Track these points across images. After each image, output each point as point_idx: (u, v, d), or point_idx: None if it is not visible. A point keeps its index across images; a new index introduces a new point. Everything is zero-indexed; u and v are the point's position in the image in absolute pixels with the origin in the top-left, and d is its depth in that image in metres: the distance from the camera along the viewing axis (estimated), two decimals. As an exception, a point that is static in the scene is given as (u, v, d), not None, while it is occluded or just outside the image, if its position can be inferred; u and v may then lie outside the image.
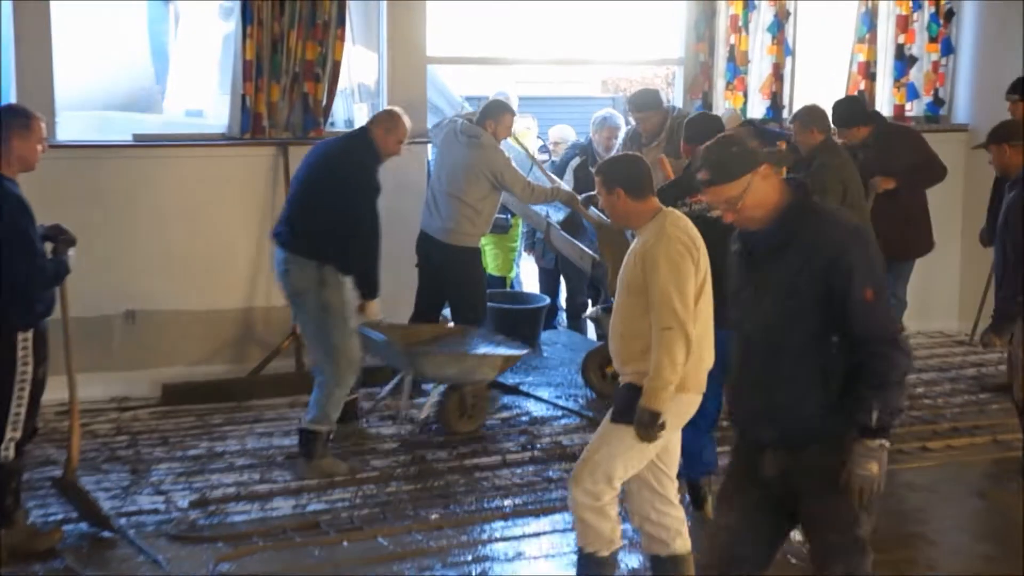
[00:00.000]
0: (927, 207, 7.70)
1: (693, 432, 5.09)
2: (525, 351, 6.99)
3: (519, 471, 6.24)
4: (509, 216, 8.41)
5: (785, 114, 8.85)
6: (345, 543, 5.35)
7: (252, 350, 7.51)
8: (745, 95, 8.74)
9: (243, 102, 7.35)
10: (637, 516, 4.57)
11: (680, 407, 4.37)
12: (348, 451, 6.43)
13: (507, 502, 5.85)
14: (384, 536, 5.43)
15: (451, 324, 7.39)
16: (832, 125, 7.37)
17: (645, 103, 7.69)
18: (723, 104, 8.67)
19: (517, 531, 5.51)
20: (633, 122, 7.87)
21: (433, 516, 5.66)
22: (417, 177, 7.80)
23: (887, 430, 3.56)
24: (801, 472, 3.65)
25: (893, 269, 7.64)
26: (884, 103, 9.10)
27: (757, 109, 8.75)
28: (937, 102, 9.24)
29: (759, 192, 3.61)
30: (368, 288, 6.16)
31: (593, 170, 4.52)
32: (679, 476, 4.72)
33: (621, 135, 8.42)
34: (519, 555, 5.29)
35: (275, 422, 6.93)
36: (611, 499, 4.41)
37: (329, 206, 6.01)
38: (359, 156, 6.15)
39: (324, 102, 7.49)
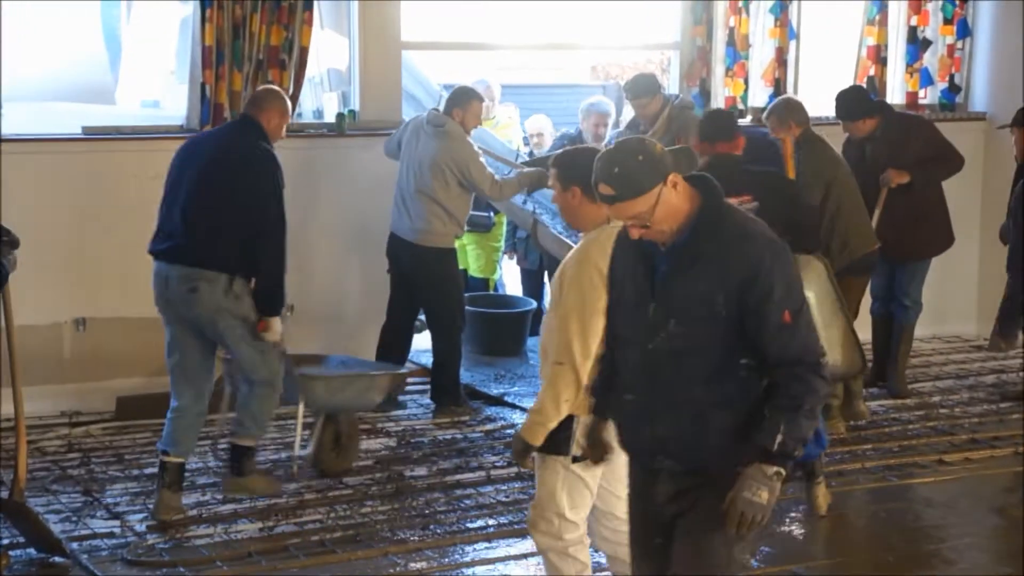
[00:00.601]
0: (944, 201, 7.74)
1: None
2: (404, 370, 6.91)
3: (504, 488, 6.26)
4: (492, 214, 8.44)
5: (797, 97, 8.88)
6: (316, 568, 5.36)
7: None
8: (746, 82, 8.78)
9: (203, 91, 7.35)
10: (594, 536, 4.65)
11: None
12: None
13: (491, 522, 5.86)
14: (358, 560, 5.44)
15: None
16: (837, 118, 7.41)
17: (644, 89, 7.72)
18: (721, 91, 8.72)
19: (501, 553, 5.53)
20: (630, 110, 7.89)
21: (411, 538, 5.67)
22: (388, 175, 7.83)
23: (788, 458, 3.47)
24: (688, 504, 3.60)
25: (908, 269, 7.70)
26: (896, 90, 9.16)
27: (759, 97, 8.79)
28: (953, 89, 9.30)
29: (669, 203, 3.50)
30: (274, 302, 5.75)
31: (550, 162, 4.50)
32: None
33: (611, 122, 8.46)
34: (504, 578, 5.31)
35: (239, 438, 6.93)
36: (576, 538, 4.45)
37: (241, 208, 5.61)
38: (263, 147, 5.74)
39: (291, 91, 7.50)
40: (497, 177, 7.30)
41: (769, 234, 3.56)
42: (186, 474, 5.96)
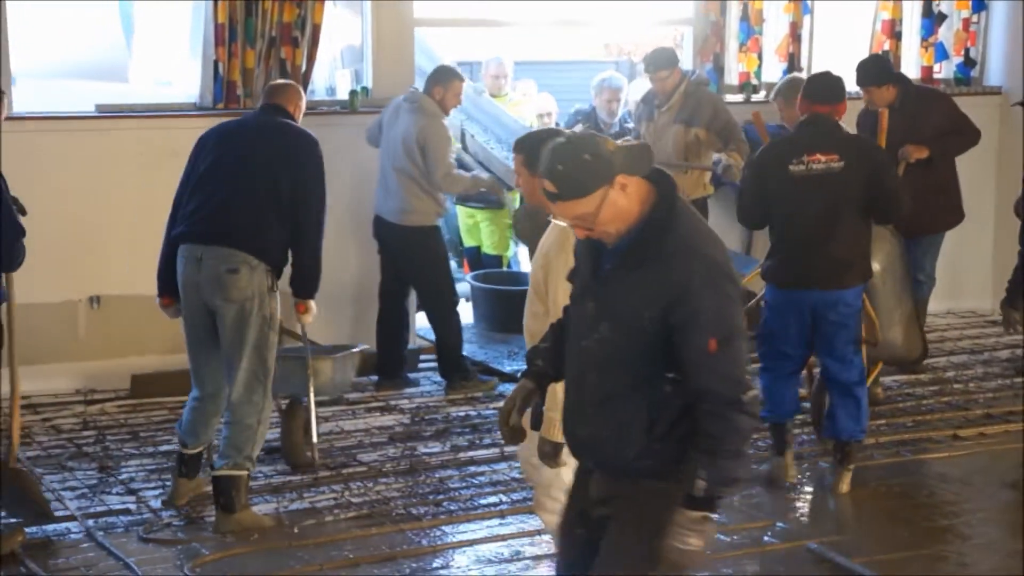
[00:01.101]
0: (956, 175, 7.69)
1: (775, 376, 5.96)
2: (360, 348, 6.62)
3: (517, 464, 6.23)
4: (505, 189, 8.40)
5: (804, 77, 8.82)
6: (329, 544, 5.37)
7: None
8: (760, 57, 8.73)
9: (215, 69, 7.35)
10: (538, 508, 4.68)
11: None
12: (332, 446, 6.46)
13: (504, 498, 5.88)
14: (372, 537, 5.45)
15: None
16: (857, 84, 7.36)
17: (664, 61, 7.67)
18: (735, 67, 8.67)
19: (514, 529, 5.54)
20: (649, 83, 7.85)
21: (425, 515, 5.68)
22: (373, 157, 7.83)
23: (714, 501, 3.31)
24: (615, 510, 3.48)
25: (922, 243, 7.66)
26: (911, 64, 9.10)
27: (773, 72, 8.74)
28: (968, 63, 9.23)
29: (616, 206, 3.28)
30: (314, 283, 5.65)
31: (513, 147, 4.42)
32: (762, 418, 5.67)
33: (623, 97, 8.42)
34: (517, 555, 5.32)
35: (254, 415, 6.95)
36: None
37: (290, 193, 5.51)
38: (307, 131, 5.70)
39: (303, 68, 7.49)
40: (457, 171, 7.25)
41: (713, 252, 3.33)
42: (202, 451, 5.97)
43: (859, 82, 7.45)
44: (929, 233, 7.67)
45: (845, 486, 6.03)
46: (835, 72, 6.19)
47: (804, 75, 7.68)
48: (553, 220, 4.41)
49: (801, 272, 5.86)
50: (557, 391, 4.15)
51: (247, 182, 5.50)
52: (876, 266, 6.19)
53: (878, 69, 7.43)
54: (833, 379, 5.97)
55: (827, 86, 6.03)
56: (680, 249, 3.28)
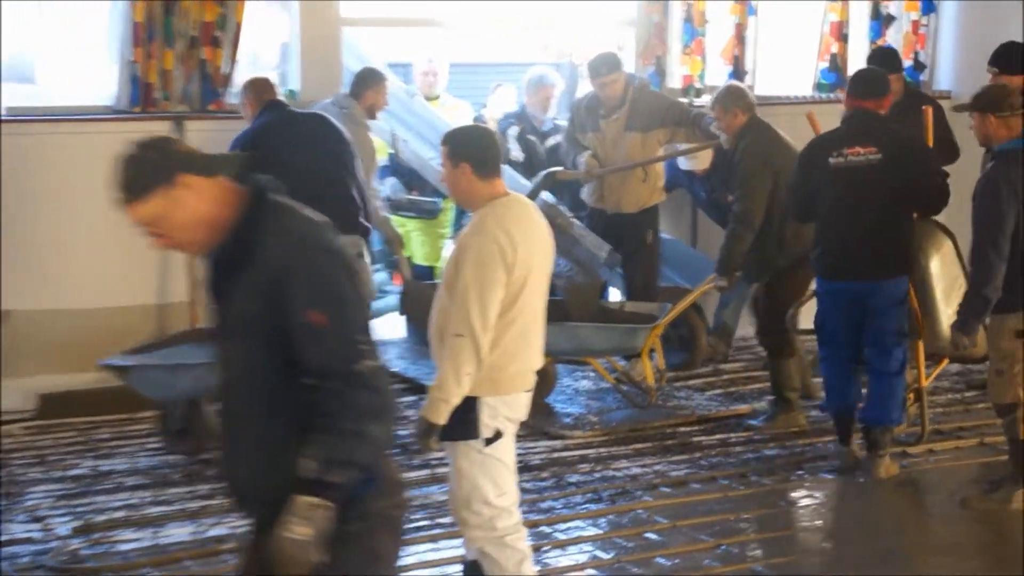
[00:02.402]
0: None
1: (832, 365, 6.39)
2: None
3: (449, 488, 6.20)
4: (439, 200, 8.38)
5: (748, 80, 8.88)
6: (250, 572, 5.30)
7: (144, 354, 7.44)
8: (704, 59, 8.77)
9: (132, 71, 7.27)
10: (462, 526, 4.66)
11: (506, 409, 4.43)
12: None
13: (436, 522, 5.82)
14: (295, 563, 5.38)
15: None
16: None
17: (607, 66, 7.68)
18: (678, 70, 8.70)
19: (448, 555, 5.49)
20: (583, 89, 7.86)
21: (351, 540, 5.62)
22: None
23: (333, 487, 3.09)
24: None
25: None
26: (859, 68, 9.14)
27: (717, 74, 8.78)
28: (917, 67, 9.32)
29: (186, 207, 3.11)
30: None
31: (444, 144, 4.50)
32: (823, 409, 6.51)
33: (557, 94, 8.43)
34: (448, 582, 5.28)
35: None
36: (511, 526, 4.46)
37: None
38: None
39: (225, 70, 7.42)
40: (377, 202, 7.24)
41: (305, 228, 3.20)
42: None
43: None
44: None
45: (883, 471, 6.32)
46: (869, 70, 6.75)
47: (743, 83, 7.74)
48: (472, 214, 4.49)
49: (842, 263, 6.24)
50: (446, 377, 4.21)
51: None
52: (933, 263, 6.45)
53: (891, 59, 7.62)
54: (872, 367, 6.29)
55: (872, 81, 6.43)
56: (272, 239, 3.15)
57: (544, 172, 7.70)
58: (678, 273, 8.27)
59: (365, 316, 3.26)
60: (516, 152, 8.36)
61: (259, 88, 6.93)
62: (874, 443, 6.37)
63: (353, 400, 3.11)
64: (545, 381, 7.40)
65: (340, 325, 3.14)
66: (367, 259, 6.51)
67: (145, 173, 3.12)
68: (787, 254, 6.99)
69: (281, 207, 3.22)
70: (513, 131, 8.45)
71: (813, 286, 6.75)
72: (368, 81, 7.18)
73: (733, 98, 7.05)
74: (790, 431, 7.03)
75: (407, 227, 8.96)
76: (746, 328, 7.86)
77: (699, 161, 7.91)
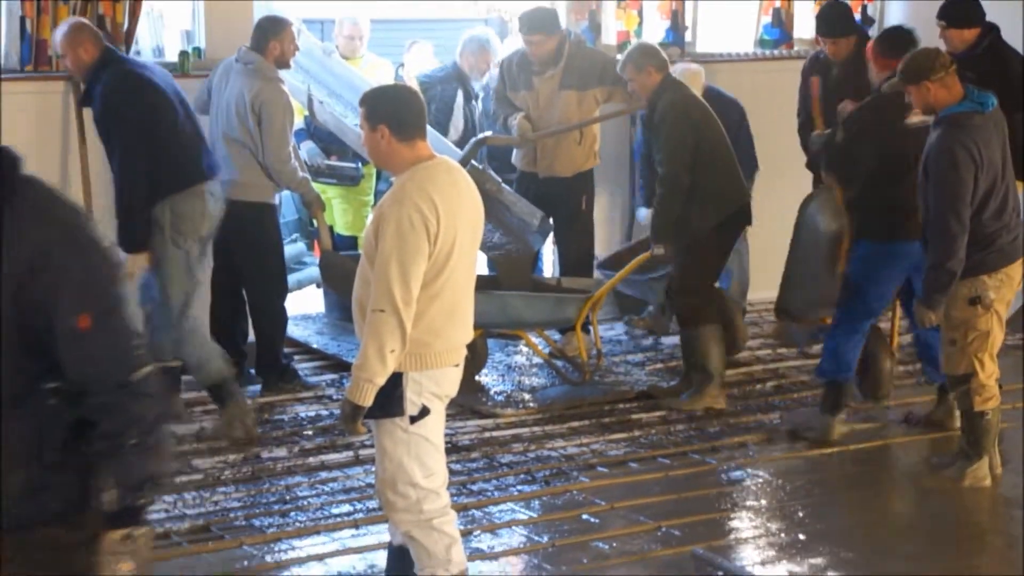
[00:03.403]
0: None
1: (848, 333, 6.56)
2: None
3: (374, 469, 6.18)
4: (359, 164, 8.34)
5: (688, 37, 8.93)
6: (160, 562, 5.27)
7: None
8: (640, 15, 8.79)
9: (22, 26, 7.17)
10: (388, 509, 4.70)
11: (432, 385, 4.44)
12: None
13: (359, 507, 5.84)
14: (209, 553, 5.38)
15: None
16: (817, 34, 7.70)
17: (542, 23, 7.65)
18: (613, 25, 8.71)
19: (371, 540, 5.50)
20: (522, 45, 7.83)
21: (270, 527, 5.62)
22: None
23: (139, 511, 3.03)
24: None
25: None
26: (805, 23, 9.22)
27: (655, 30, 8.80)
28: (866, 20, 9.38)
29: None
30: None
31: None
32: (822, 375, 6.70)
33: (494, 61, 8.40)
34: (372, 568, 5.29)
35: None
36: (438, 508, 4.48)
37: None
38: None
39: (125, 25, 7.34)
40: (294, 162, 7.08)
41: (72, 217, 3.03)
42: None
43: (818, 31, 7.65)
44: None
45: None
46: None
47: (656, 43, 7.77)
48: (393, 179, 4.47)
49: (906, 223, 6.29)
50: (370, 356, 4.20)
51: None
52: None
53: (840, 20, 7.64)
54: (936, 327, 6.39)
55: (897, 40, 6.67)
56: (28, 214, 2.95)
57: (474, 139, 7.66)
58: None
59: (136, 317, 3.13)
60: (459, 122, 8.31)
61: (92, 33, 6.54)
62: (843, 401, 6.70)
63: (135, 413, 3.00)
64: (476, 356, 7.41)
65: (115, 329, 3.00)
66: (213, 204, 6.49)
67: None
68: (708, 214, 6.95)
69: (34, 185, 3.00)
70: (460, 100, 8.41)
71: None
72: (269, 30, 7.02)
73: (646, 56, 7.04)
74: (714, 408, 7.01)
75: (327, 195, 8.90)
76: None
77: None
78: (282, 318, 7.31)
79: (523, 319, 7.26)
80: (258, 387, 7.28)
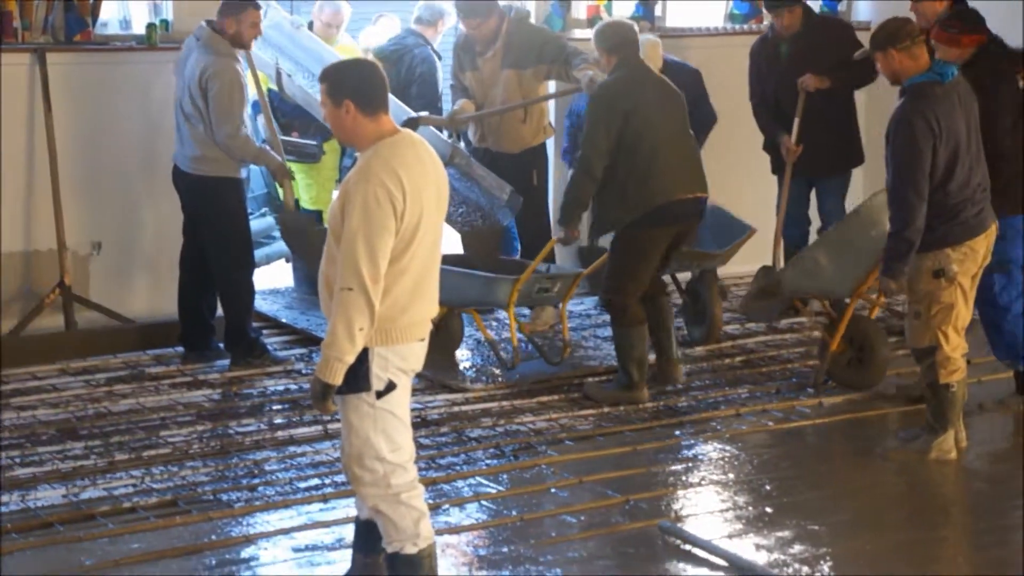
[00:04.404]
0: (855, 113, 8.10)
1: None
2: None
3: (341, 444, 6.21)
4: (320, 140, 8.32)
5: (658, 11, 8.93)
6: (128, 536, 5.29)
7: (10, 306, 7.35)
8: (604, -11, 8.79)
9: (-13, 0, 7.14)
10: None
11: (399, 360, 4.44)
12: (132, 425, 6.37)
13: (327, 480, 5.85)
14: (176, 527, 5.38)
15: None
16: (764, 8, 7.84)
17: (474, 10, 7.66)
18: (584, 1, 8.71)
19: (340, 515, 5.51)
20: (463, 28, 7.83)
21: (237, 501, 5.62)
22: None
23: None
24: None
25: (826, 185, 8.04)
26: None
27: (626, 6, 8.80)
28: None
29: None
30: None
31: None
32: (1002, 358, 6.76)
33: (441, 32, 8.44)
34: (340, 542, 5.30)
35: (41, 393, 6.81)
36: (406, 483, 4.48)
37: None
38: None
39: (92, -2, 7.31)
40: (245, 130, 7.01)
41: None
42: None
43: (769, 5, 7.70)
44: (838, 173, 8.03)
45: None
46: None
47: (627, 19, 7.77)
48: (358, 154, 4.45)
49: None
50: (339, 334, 4.22)
51: None
52: None
53: None
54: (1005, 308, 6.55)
55: (978, 16, 6.58)
56: None
57: (407, 118, 7.59)
58: (715, 240, 7.90)
59: None
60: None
61: None
62: None
63: None
64: (451, 335, 7.40)
65: None
66: None
67: None
68: (629, 208, 6.66)
69: None
70: (438, 63, 8.44)
71: None
72: (228, 9, 7.00)
73: (597, 39, 6.88)
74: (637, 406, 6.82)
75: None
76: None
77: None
78: (248, 292, 7.30)
79: (453, 297, 6.92)
80: (227, 362, 7.29)
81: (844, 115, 7.98)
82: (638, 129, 6.63)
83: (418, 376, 7.04)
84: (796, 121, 7.79)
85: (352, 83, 4.38)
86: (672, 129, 6.77)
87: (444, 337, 7.28)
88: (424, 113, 7.81)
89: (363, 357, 4.35)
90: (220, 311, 7.33)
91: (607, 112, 6.66)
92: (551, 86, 7.98)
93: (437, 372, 7.02)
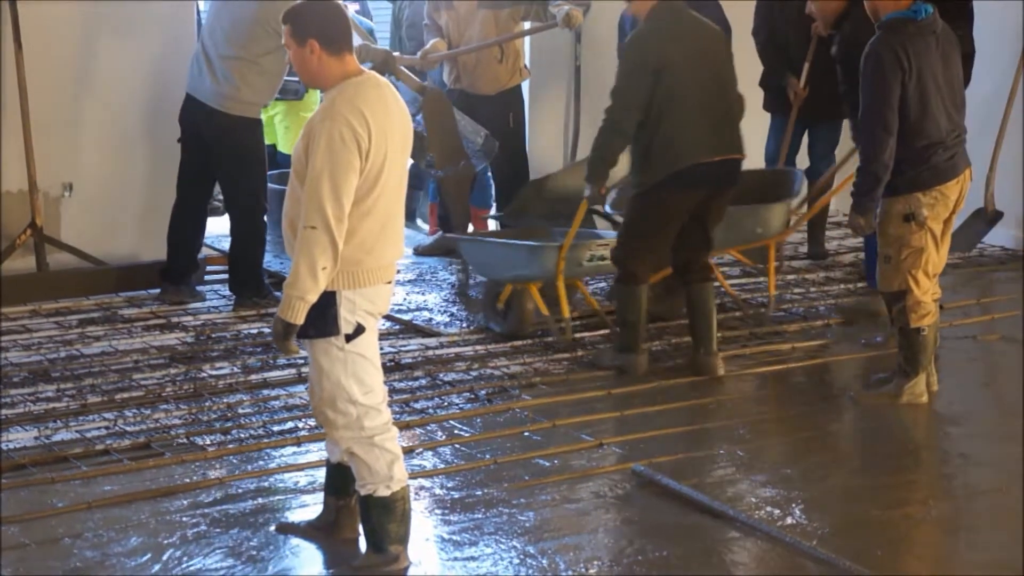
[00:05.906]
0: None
1: None
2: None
3: (311, 389, 6.20)
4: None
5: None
6: (101, 478, 5.28)
7: (-20, 246, 7.31)
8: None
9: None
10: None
11: (366, 303, 4.43)
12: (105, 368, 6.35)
13: (301, 424, 5.85)
14: (150, 470, 5.37)
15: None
16: None
17: None
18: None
19: (313, 458, 5.51)
20: None
21: (210, 444, 5.62)
22: (188, 34, 7.63)
23: None
24: None
25: (821, 130, 8.19)
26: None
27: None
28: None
29: None
30: None
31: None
32: None
33: None
34: (313, 484, 5.29)
35: (12, 335, 6.79)
36: (379, 425, 4.48)
37: None
38: None
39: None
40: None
41: None
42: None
43: None
44: (827, 120, 8.03)
45: None
46: None
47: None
48: (323, 95, 4.43)
49: None
50: (301, 273, 4.22)
51: None
52: None
53: None
54: None
55: None
56: None
57: (381, 55, 7.51)
58: None
59: None
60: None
61: None
62: None
63: None
64: (520, 317, 7.00)
65: None
66: None
67: None
68: (651, 171, 6.29)
69: None
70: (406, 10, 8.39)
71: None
72: None
73: None
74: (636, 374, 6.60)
75: (269, 112, 8.84)
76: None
77: (575, 19, 7.69)
78: (262, 234, 7.31)
79: (504, 272, 6.83)
80: (200, 304, 7.26)
81: None
82: (670, 87, 6.22)
83: (391, 320, 7.10)
84: (806, 66, 7.84)
85: (316, 23, 4.35)
86: (708, 87, 6.33)
87: (512, 320, 6.97)
88: (395, 53, 7.75)
89: (331, 301, 4.34)
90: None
91: (639, 68, 6.25)
92: (526, 26, 7.94)
93: (410, 316, 6.96)
